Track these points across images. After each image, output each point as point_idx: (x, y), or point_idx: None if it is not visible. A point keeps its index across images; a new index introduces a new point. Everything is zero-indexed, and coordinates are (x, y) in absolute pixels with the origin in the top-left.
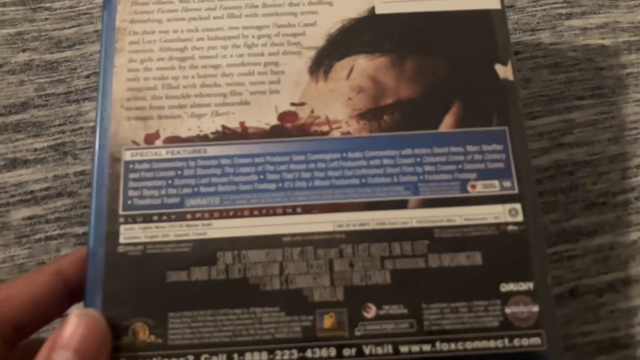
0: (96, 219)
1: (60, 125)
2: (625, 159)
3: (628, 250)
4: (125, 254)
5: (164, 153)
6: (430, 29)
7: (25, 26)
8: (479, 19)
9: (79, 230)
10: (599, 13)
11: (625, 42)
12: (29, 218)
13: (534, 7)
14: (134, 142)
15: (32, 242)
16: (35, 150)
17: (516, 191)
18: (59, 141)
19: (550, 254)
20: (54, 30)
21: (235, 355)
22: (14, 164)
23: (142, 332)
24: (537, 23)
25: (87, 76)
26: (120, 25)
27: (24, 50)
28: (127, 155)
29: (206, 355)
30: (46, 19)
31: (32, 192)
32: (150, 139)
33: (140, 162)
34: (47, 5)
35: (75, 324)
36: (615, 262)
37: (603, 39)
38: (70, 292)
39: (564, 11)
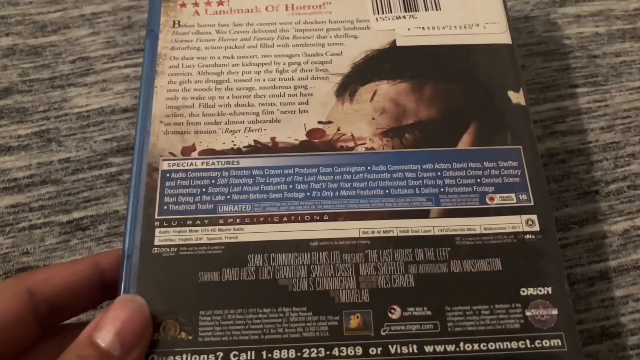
0: (132, 222)
1: (44, 111)
2: (618, 148)
3: (620, 239)
4: (160, 255)
5: (199, 164)
6: (447, 59)
7: (8, 10)
8: (492, 52)
9: (64, 218)
10: (593, 1)
11: (619, 30)
12: (13, 206)
13: None
14: (171, 154)
15: (15, 230)
16: (19, 137)
17: (532, 203)
18: (43, 128)
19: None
20: (39, 14)
21: (264, 353)
22: None
23: (174, 329)
24: (531, 10)
25: (72, 61)
26: (161, 51)
27: (7, 35)
28: (165, 165)
29: (235, 352)
30: (30, 2)
31: (15, 179)
32: (186, 151)
33: (177, 171)
34: None
35: (120, 308)
36: (607, 251)
37: (597, 26)
38: (105, 287)
39: None
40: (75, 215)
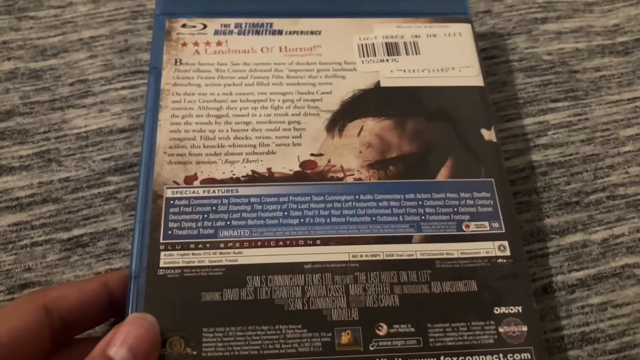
0: (139, 246)
1: (44, 132)
2: (597, 159)
3: (599, 248)
4: (165, 276)
5: (201, 192)
6: (426, 99)
7: (10, 35)
8: (466, 93)
9: (64, 235)
10: (574, 17)
11: (599, 46)
12: (15, 224)
13: (510, 11)
14: (175, 182)
15: (17, 248)
16: (21, 157)
17: (503, 231)
18: (43, 148)
19: (525, 252)
20: (39, 38)
21: None
22: None
23: (179, 345)
24: (513, 27)
25: (71, 84)
26: (164, 87)
27: (9, 59)
28: (169, 193)
29: None
30: (31, 27)
31: (17, 198)
32: (189, 180)
33: (180, 199)
34: (32, 14)
35: (132, 325)
36: (587, 259)
37: (577, 42)
38: (113, 305)
39: (539, 16)
40: (75, 232)
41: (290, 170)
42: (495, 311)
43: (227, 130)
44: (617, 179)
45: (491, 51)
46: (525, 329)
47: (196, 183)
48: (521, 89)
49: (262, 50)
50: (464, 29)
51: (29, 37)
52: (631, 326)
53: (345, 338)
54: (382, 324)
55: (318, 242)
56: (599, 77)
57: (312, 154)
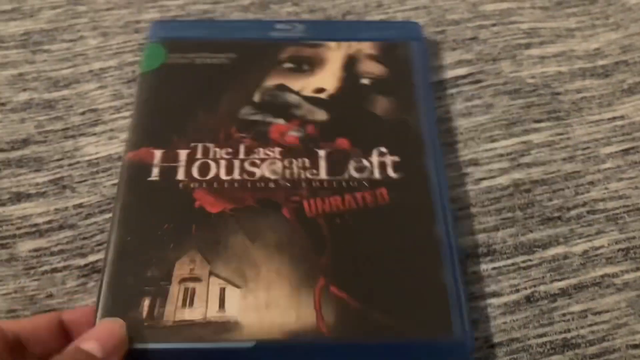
0: None
1: (58, 160)
2: (578, 177)
3: (579, 259)
4: None
5: None
6: None
7: (25, 67)
8: None
9: (81, 262)
10: (557, 42)
11: (580, 69)
12: (35, 250)
13: (496, 38)
14: None
15: (39, 274)
16: (37, 184)
17: None
18: (57, 175)
19: (509, 264)
20: (52, 70)
21: None
22: (18, 197)
23: None
24: (499, 53)
25: (83, 113)
26: None
27: (24, 90)
28: None
29: None
30: (45, 60)
31: (36, 224)
32: None
33: None
34: (46, 47)
35: (102, 324)
36: (568, 270)
37: (560, 66)
38: (67, 335)
39: (523, 41)
40: (91, 258)
41: None
42: None
43: None
44: (597, 195)
45: (477, 75)
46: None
47: None
48: (506, 110)
49: None
50: None
51: (43, 69)
52: (610, 332)
53: None
54: None
55: None
56: (580, 98)
57: None
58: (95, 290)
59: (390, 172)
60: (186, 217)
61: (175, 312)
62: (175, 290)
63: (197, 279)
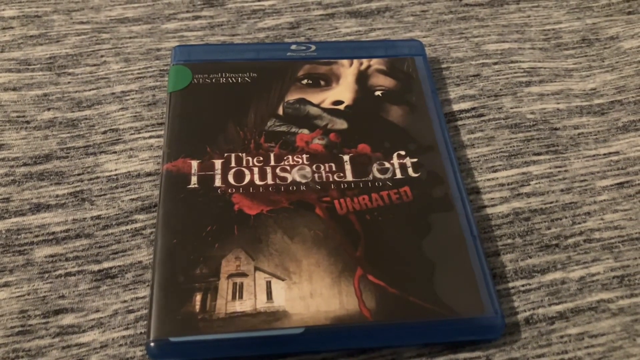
0: None
1: (79, 175)
2: (575, 207)
3: (576, 285)
4: None
5: None
6: None
7: (50, 88)
8: None
9: (95, 267)
10: (555, 81)
11: (577, 107)
12: (51, 256)
13: (498, 75)
14: None
15: (53, 277)
16: (57, 196)
17: None
18: (77, 189)
19: (509, 288)
20: (76, 92)
21: None
22: (38, 208)
23: None
24: (500, 90)
25: (104, 132)
26: None
27: (48, 109)
28: None
29: None
30: (69, 82)
31: (53, 233)
32: None
33: None
34: (70, 71)
35: None
36: (565, 295)
37: (558, 103)
38: None
39: (524, 80)
40: (105, 265)
41: None
42: None
43: None
44: (593, 225)
45: (479, 110)
46: None
47: None
48: (507, 143)
49: None
50: None
51: (67, 90)
52: (606, 355)
53: None
54: None
55: None
56: (578, 134)
57: None
58: (107, 293)
59: (411, 172)
60: (228, 219)
61: (227, 305)
62: (224, 285)
63: (243, 274)
